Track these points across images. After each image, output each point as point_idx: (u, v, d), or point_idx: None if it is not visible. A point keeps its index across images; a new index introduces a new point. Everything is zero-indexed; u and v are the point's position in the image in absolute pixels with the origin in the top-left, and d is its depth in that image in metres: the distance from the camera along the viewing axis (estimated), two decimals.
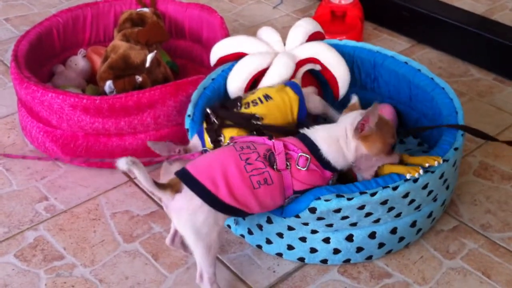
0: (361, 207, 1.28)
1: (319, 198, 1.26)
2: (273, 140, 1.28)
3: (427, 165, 1.30)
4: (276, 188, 1.25)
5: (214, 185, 1.20)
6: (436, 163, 1.30)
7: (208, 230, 1.22)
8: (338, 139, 1.28)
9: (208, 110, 1.45)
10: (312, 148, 1.27)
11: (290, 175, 1.26)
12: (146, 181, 1.16)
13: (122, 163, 1.12)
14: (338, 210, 1.27)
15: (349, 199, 1.26)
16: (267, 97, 1.48)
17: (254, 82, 1.64)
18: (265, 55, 1.64)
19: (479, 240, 1.46)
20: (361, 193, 1.27)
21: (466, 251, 1.43)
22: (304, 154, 1.26)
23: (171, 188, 1.20)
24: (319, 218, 1.29)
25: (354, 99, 1.39)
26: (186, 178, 1.21)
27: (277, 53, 1.67)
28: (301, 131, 1.32)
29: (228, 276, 1.38)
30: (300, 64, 1.65)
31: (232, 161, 1.23)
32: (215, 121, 1.44)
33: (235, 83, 1.62)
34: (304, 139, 1.29)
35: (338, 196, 1.26)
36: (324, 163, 1.28)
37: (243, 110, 1.46)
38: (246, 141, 1.31)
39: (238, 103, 1.48)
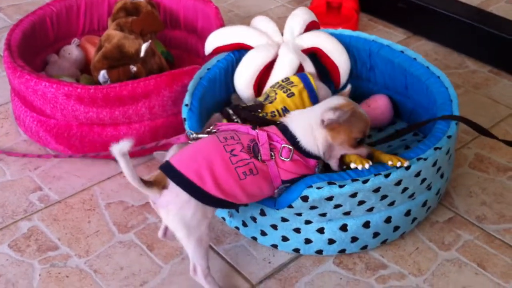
0: (353, 195, 1.27)
1: (311, 186, 1.26)
2: (257, 131, 1.28)
3: (390, 163, 1.28)
4: (262, 178, 1.25)
5: (200, 179, 1.19)
6: (398, 164, 1.27)
7: (197, 224, 1.21)
8: (312, 129, 1.27)
9: (230, 111, 1.42)
10: (292, 139, 1.27)
11: (276, 165, 1.26)
12: (132, 178, 1.15)
13: (116, 149, 1.10)
14: (330, 198, 1.27)
15: (340, 186, 1.26)
16: (285, 110, 1.45)
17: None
18: (269, 47, 1.63)
19: (474, 232, 1.46)
20: (353, 180, 1.26)
21: (462, 242, 1.43)
22: (287, 146, 1.26)
23: (158, 184, 1.19)
24: (312, 207, 1.29)
25: (348, 88, 1.40)
26: (171, 173, 1.20)
27: (278, 44, 1.66)
28: (281, 120, 1.32)
29: (224, 267, 1.37)
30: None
31: (217, 153, 1.22)
32: (239, 121, 1.41)
33: (244, 80, 1.61)
34: (284, 130, 1.29)
35: (330, 183, 1.26)
36: (305, 153, 1.28)
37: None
38: (230, 130, 1.30)
39: (259, 110, 1.45)
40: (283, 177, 1.27)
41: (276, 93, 1.50)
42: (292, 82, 1.53)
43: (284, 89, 1.51)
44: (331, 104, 1.29)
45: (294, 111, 1.35)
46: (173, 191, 1.19)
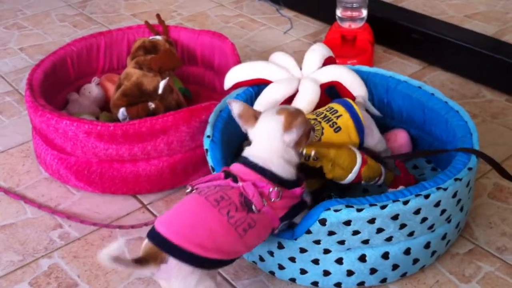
0: (372, 221, 1.27)
1: (328, 209, 1.26)
2: (240, 183, 1.23)
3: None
4: (260, 226, 1.22)
5: (202, 249, 1.14)
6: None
7: None
8: (285, 160, 1.26)
9: None
10: (273, 177, 1.25)
11: (271, 209, 1.23)
12: (127, 267, 1.11)
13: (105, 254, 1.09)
14: (348, 223, 1.27)
15: (358, 210, 1.26)
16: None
17: None
18: (290, 82, 1.65)
19: (495, 263, 1.44)
20: (371, 205, 1.27)
21: (482, 274, 1.41)
22: (274, 189, 1.23)
23: (154, 260, 1.13)
24: (330, 233, 1.29)
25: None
26: (169, 249, 1.14)
27: (298, 78, 1.68)
28: (252, 161, 1.27)
29: None
30: (323, 87, 1.66)
31: (215, 220, 1.17)
32: None
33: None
34: (261, 172, 1.25)
35: (348, 206, 1.27)
36: (289, 185, 1.26)
37: (311, 162, 1.40)
38: (211, 186, 1.24)
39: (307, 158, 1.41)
40: (280, 215, 1.25)
41: (322, 128, 1.48)
42: (336, 111, 1.52)
43: (330, 123, 1.49)
44: (279, 124, 1.26)
45: (250, 150, 1.29)
46: (174, 265, 1.14)
